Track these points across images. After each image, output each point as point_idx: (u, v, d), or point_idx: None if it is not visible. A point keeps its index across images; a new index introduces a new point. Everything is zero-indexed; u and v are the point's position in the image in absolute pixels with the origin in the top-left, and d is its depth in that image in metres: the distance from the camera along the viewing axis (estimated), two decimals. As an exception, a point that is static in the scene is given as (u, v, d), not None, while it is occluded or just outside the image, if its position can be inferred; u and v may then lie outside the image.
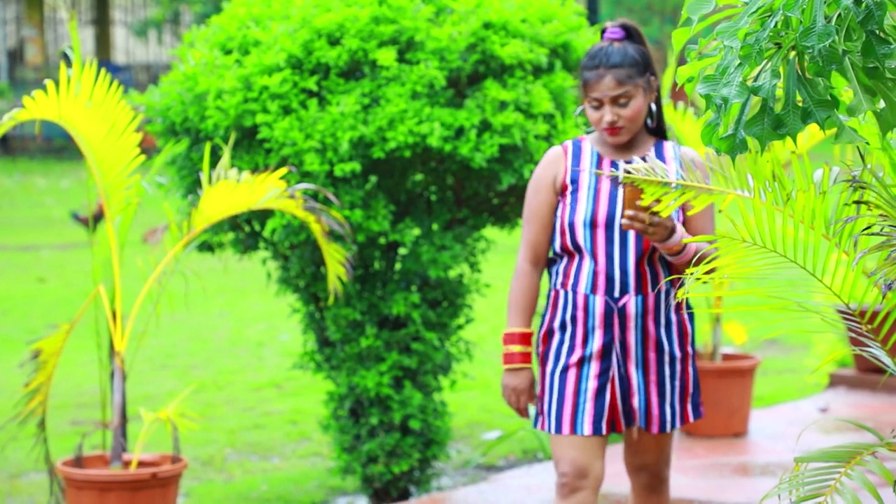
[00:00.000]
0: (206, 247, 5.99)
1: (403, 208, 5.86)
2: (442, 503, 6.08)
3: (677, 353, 4.20)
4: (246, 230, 5.98)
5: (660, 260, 4.15)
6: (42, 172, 23.98)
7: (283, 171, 5.35)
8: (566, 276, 4.19)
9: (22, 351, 5.45)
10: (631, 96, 4.11)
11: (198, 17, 25.03)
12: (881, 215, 3.39)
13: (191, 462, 6.98)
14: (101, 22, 31.69)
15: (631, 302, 4.14)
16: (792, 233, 3.45)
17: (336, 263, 5.31)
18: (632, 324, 4.15)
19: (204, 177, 5.36)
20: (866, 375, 7.84)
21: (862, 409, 7.55)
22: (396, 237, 5.71)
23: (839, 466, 3.40)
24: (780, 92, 2.91)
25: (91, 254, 5.57)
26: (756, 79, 2.90)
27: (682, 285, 4.02)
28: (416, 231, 5.80)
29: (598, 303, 4.14)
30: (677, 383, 4.21)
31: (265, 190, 5.22)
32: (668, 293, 4.17)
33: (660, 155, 4.18)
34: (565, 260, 4.19)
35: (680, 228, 4.02)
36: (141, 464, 5.30)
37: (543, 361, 4.24)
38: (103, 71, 5.24)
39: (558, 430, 4.18)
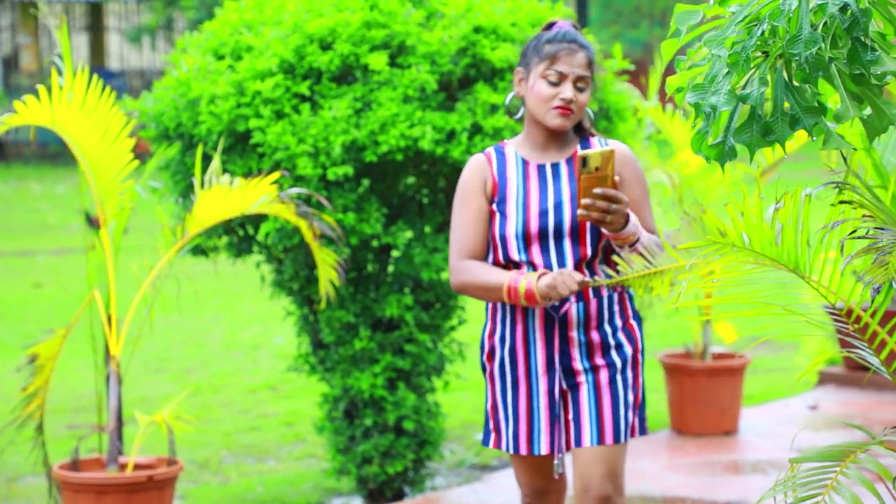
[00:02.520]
0: (200, 251, 5.99)
1: (396, 211, 5.86)
2: (436, 503, 6.08)
3: (626, 362, 3.95)
4: (240, 234, 5.98)
5: (602, 265, 3.93)
6: (37, 178, 23.95)
7: (276, 175, 5.35)
8: None
9: (18, 356, 5.45)
10: (588, 84, 3.92)
11: (191, 24, 25.01)
12: (865, 215, 3.40)
13: (187, 465, 6.97)
14: (96, 28, 31.67)
15: (573, 309, 3.91)
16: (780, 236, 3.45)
17: (328, 268, 5.30)
18: (574, 333, 3.92)
19: (197, 182, 5.36)
20: (855, 373, 7.85)
21: (851, 406, 7.56)
22: (389, 240, 5.71)
23: (834, 466, 3.40)
24: (768, 100, 2.92)
25: (86, 259, 5.56)
26: (744, 87, 2.90)
27: (623, 289, 3.94)
28: (409, 234, 5.80)
29: (538, 313, 3.91)
30: (629, 393, 3.95)
31: (258, 194, 5.22)
32: (611, 299, 3.94)
33: (588, 149, 3.91)
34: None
35: (633, 217, 3.81)
36: (137, 467, 5.29)
37: (491, 379, 4.01)
38: (96, 77, 5.24)
39: (515, 449, 3.96)
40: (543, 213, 3.88)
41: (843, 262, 3.24)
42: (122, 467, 5.26)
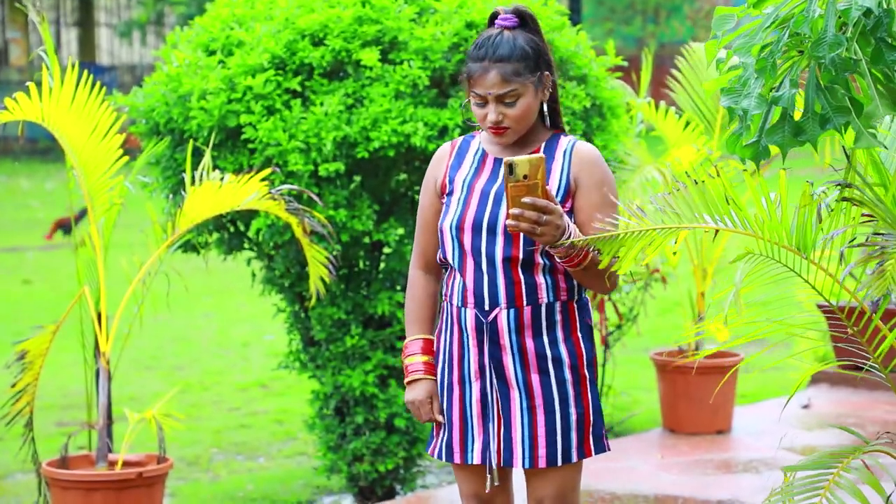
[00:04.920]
0: (190, 247, 5.98)
1: (387, 208, 5.86)
2: (427, 501, 6.07)
3: (568, 377, 3.62)
4: (230, 230, 5.98)
5: (544, 269, 3.61)
6: (26, 174, 23.91)
7: (268, 171, 5.34)
8: (447, 286, 3.73)
9: (8, 352, 5.43)
10: (518, 95, 3.59)
11: (181, 19, 24.99)
12: (864, 213, 3.41)
13: (176, 462, 6.96)
14: (85, 23, 31.62)
15: (502, 316, 3.60)
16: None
17: (319, 265, 5.30)
18: (505, 341, 3.61)
19: (188, 177, 5.35)
20: (848, 373, 7.85)
21: (844, 405, 7.57)
22: (380, 237, 5.71)
23: (828, 473, 3.41)
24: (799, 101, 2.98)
25: (76, 255, 5.55)
26: (776, 89, 2.96)
27: (571, 298, 3.63)
28: (401, 230, 5.79)
29: (469, 316, 3.64)
30: (572, 410, 3.60)
31: (249, 191, 5.21)
32: (551, 308, 3.63)
33: (551, 149, 3.66)
34: (448, 269, 3.74)
35: (573, 228, 3.49)
36: (126, 464, 5.28)
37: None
38: (87, 72, 5.23)
39: (449, 458, 3.70)
40: (482, 203, 3.63)
41: (844, 272, 3.25)
42: (112, 464, 5.25)
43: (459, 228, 3.63)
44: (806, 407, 7.56)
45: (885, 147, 3.35)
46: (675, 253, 7.31)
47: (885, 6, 2.82)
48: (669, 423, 7.15)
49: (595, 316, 7.66)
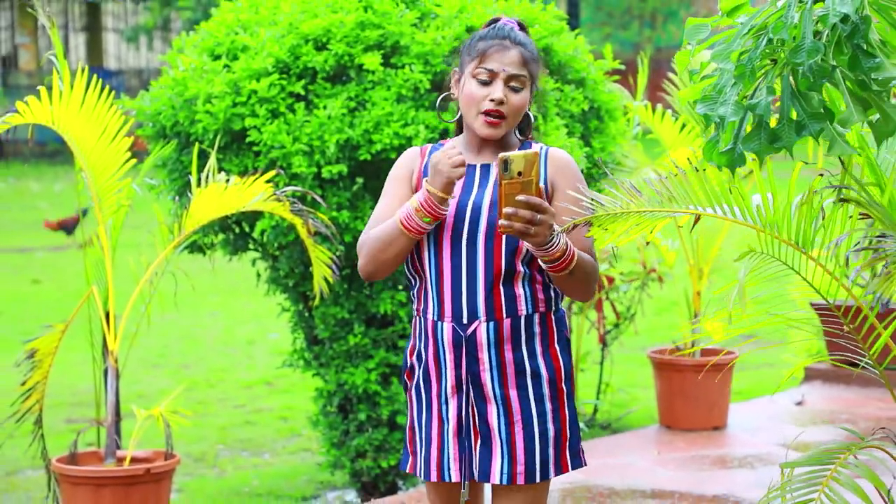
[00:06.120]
0: (196, 248, 5.98)
1: (389, 209, 5.85)
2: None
3: (546, 392, 3.47)
4: (236, 231, 5.98)
5: (524, 280, 3.45)
6: (35, 176, 23.93)
7: (272, 173, 5.34)
8: (419, 299, 3.54)
9: (17, 351, 5.44)
10: (524, 84, 3.47)
11: (187, 24, 24.98)
12: (862, 213, 3.41)
13: (183, 458, 6.97)
14: (93, 29, 31.64)
15: (481, 329, 3.44)
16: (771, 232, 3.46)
17: (323, 265, 5.30)
18: (484, 355, 3.44)
19: (194, 179, 5.35)
20: (841, 369, 7.85)
21: (837, 402, 7.57)
22: (383, 237, 5.70)
23: (825, 470, 3.40)
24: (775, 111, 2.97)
25: (84, 255, 5.55)
26: (752, 96, 2.95)
27: (549, 309, 3.49)
28: (402, 231, 5.78)
29: (447, 330, 3.46)
30: (550, 426, 3.46)
31: (254, 192, 5.22)
32: (529, 320, 3.47)
33: None
34: (419, 281, 3.54)
35: (559, 230, 3.33)
36: (134, 460, 5.28)
37: (410, 399, 3.59)
38: (95, 76, 5.23)
39: (427, 476, 3.53)
40: (461, 212, 3.45)
41: (852, 274, 3.24)
42: (120, 461, 5.25)
43: (437, 241, 3.46)
44: (800, 404, 7.56)
45: (858, 153, 3.36)
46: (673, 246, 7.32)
47: (861, 13, 2.82)
48: (666, 419, 7.15)
49: (593, 315, 7.67)
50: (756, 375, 8.92)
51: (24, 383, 5.27)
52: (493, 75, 3.45)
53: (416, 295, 3.56)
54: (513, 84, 3.45)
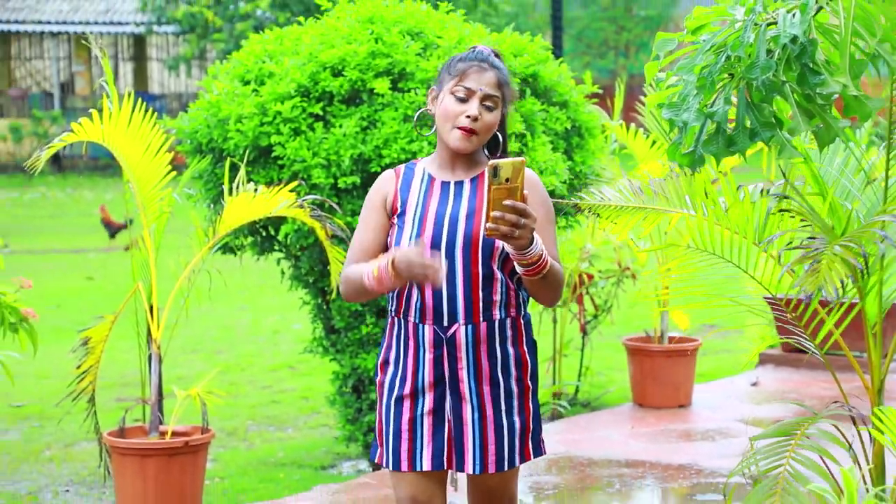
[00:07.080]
0: (228, 249, 5.98)
1: (397, 215, 5.85)
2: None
3: (514, 388, 3.37)
4: (263, 234, 5.97)
5: (500, 285, 3.34)
6: (89, 186, 23.93)
7: (294, 184, 5.34)
8: (399, 302, 3.39)
9: (73, 339, 5.43)
10: (497, 104, 3.35)
11: (221, 54, 24.98)
12: (803, 221, 3.41)
13: (217, 433, 6.96)
14: (140, 58, 31.66)
15: (461, 331, 3.32)
16: (728, 236, 3.46)
17: (339, 263, 5.29)
18: (462, 354, 3.33)
19: (226, 189, 5.35)
20: (790, 355, 7.85)
21: (787, 383, 7.56)
22: (391, 240, 5.70)
23: (789, 440, 3.41)
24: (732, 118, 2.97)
25: (131, 256, 5.55)
26: (712, 105, 2.94)
27: (519, 313, 3.40)
28: (408, 234, 5.78)
29: (428, 332, 3.34)
30: (516, 419, 3.37)
31: (279, 200, 5.21)
32: (503, 324, 3.36)
33: None
34: (399, 287, 3.35)
35: (538, 239, 3.22)
36: (175, 434, 5.28)
37: (380, 392, 3.44)
38: (140, 100, 5.23)
39: (396, 466, 3.37)
40: (438, 225, 3.32)
41: (782, 270, 3.24)
42: (163, 434, 5.25)
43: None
44: (755, 384, 7.55)
45: (804, 157, 3.36)
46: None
47: (808, 35, 2.82)
48: (638, 398, 7.14)
49: (575, 307, 7.66)
50: (717, 360, 8.91)
51: (79, 366, 5.27)
52: (470, 93, 3.34)
53: (394, 298, 3.41)
54: (487, 103, 3.34)
